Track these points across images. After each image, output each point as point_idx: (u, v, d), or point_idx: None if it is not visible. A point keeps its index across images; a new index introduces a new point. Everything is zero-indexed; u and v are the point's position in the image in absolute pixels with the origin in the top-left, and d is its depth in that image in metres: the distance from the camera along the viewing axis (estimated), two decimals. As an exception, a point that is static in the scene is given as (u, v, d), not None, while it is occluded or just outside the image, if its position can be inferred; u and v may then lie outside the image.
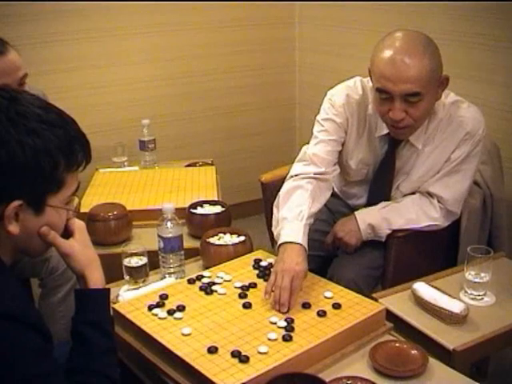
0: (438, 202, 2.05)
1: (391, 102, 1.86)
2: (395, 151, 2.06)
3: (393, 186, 2.12)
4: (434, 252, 2.18)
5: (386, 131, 2.02)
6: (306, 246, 1.80)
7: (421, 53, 1.82)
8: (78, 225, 1.35)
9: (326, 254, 2.18)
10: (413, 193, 2.11)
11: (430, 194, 2.07)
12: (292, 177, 2.05)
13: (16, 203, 1.16)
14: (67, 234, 1.33)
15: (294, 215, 1.88)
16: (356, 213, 2.11)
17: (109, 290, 1.36)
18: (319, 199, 2.02)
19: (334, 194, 2.30)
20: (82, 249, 1.32)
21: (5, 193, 1.16)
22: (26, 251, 1.29)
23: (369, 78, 2.06)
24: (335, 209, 2.30)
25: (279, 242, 1.81)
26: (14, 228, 1.18)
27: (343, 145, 2.11)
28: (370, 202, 2.15)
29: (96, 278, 1.32)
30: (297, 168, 2.08)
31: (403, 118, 1.88)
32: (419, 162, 2.06)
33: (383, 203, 2.10)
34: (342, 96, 2.07)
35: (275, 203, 2.01)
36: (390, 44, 1.86)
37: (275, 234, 1.90)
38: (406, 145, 2.04)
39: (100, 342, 1.27)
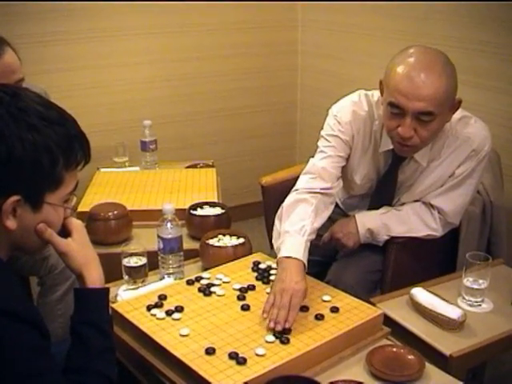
0: (439, 213, 2.05)
1: (402, 117, 1.83)
2: (398, 166, 2.05)
3: (394, 199, 2.13)
4: (432, 258, 2.19)
5: (390, 147, 2.00)
6: (306, 262, 1.76)
7: (439, 72, 1.79)
8: (76, 224, 1.35)
9: (325, 260, 2.18)
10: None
11: (431, 206, 2.07)
12: (297, 190, 2.00)
13: (14, 198, 1.16)
14: (65, 233, 1.33)
15: (296, 229, 1.84)
16: (356, 215, 2.11)
17: (108, 289, 1.35)
18: (322, 214, 1.97)
19: (335, 204, 2.30)
20: (79, 248, 1.32)
21: (3, 187, 1.16)
22: (22, 248, 1.29)
23: (373, 92, 2.05)
24: (335, 218, 2.30)
25: (279, 256, 1.77)
26: (11, 223, 1.18)
27: (347, 160, 2.09)
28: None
29: (94, 278, 1.32)
30: (303, 181, 2.02)
31: (411, 137, 1.84)
32: (422, 176, 2.05)
33: (384, 208, 2.10)
34: (348, 113, 2.03)
35: (277, 215, 1.95)
36: (409, 59, 1.82)
37: (275, 246, 1.87)
38: (411, 161, 2.03)
39: (98, 342, 1.27)
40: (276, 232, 1.92)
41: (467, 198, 2.06)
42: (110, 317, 1.35)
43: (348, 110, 2.04)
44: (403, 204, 2.11)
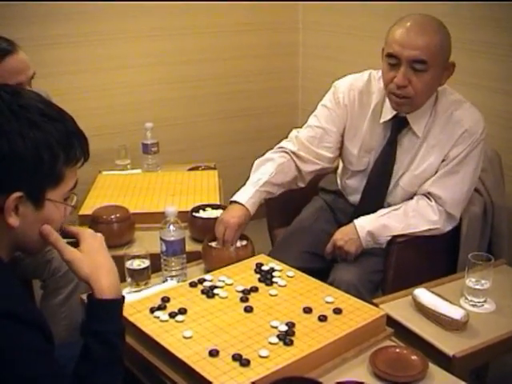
0: (437, 203, 2.07)
1: (398, 69, 1.96)
2: (397, 136, 2.11)
3: (392, 180, 2.15)
4: (434, 258, 2.19)
5: (389, 116, 2.09)
6: (252, 209, 2.06)
7: (434, 29, 1.95)
8: (83, 233, 1.35)
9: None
10: (411, 198, 2.13)
11: (428, 196, 2.09)
12: (271, 149, 2.26)
13: (16, 195, 1.17)
14: (75, 242, 1.33)
15: (252, 182, 2.13)
16: (355, 221, 2.12)
17: (121, 298, 1.31)
18: (284, 172, 2.18)
19: (335, 192, 2.33)
20: (85, 256, 1.29)
21: (5, 183, 1.17)
22: (23, 248, 1.29)
23: (379, 71, 2.13)
24: (336, 207, 2.35)
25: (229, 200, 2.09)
26: (14, 221, 1.19)
27: (343, 134, 2.21)
28: (367, 193, 2.20)
29: (102, 287, 1.26)
30: (280, 143, 2.28)
31: (405, 86, 1.96)
32: (419, 155, 2.09)
33: (381, 210, 2.12)
34: (345, 84, 2.22)
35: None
36: (408, 19, 1.99)
37: None
38: (408, 132, 2.09)
39: (101, 354, 1.23)
40: None
41: (464, 188, 2.07)
42: (122, 327, 1.30)
43: (346, 82, 2.23)
44: (402, 193, 2.14)
